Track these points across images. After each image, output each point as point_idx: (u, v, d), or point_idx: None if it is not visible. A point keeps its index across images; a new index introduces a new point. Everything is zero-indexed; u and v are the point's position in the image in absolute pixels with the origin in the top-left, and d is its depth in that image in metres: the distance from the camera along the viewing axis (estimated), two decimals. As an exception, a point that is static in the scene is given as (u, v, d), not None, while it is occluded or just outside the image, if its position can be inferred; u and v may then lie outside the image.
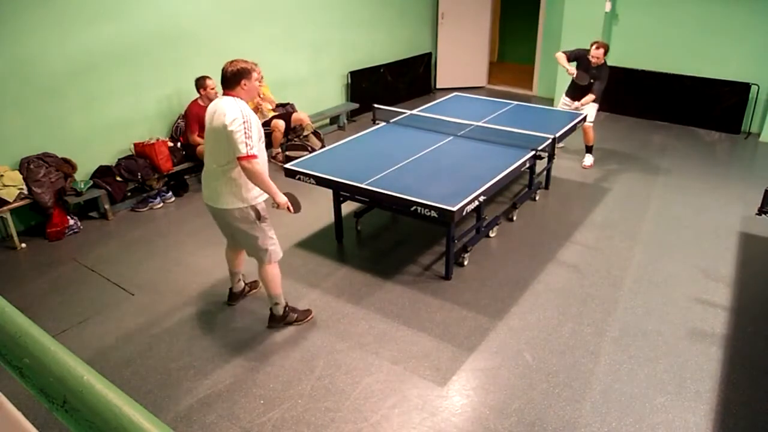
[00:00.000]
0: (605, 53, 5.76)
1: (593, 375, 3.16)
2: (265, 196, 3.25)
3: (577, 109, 5.92)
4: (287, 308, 3.58)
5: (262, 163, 3.11)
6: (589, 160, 6.21)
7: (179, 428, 2.84)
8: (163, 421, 0.63)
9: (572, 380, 3.12)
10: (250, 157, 3.01)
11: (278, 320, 3.57)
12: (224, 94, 3.15)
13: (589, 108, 5.93)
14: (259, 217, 3.25)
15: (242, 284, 3.87)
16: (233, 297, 3.84)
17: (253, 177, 3.07)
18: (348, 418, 2.89)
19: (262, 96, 6.12)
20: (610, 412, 2.90)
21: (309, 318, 3.65)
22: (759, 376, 3.14)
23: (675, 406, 2.94)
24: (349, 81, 7.73)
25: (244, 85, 3.11)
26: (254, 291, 3.95)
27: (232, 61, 3.13)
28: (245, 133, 2.99)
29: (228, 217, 3.24)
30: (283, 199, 3.22)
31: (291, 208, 3.27)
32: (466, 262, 4.25)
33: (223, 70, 3.12)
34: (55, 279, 4.21)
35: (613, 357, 3.30)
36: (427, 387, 3.09)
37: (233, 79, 3.09)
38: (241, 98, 3.12)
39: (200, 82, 5.41)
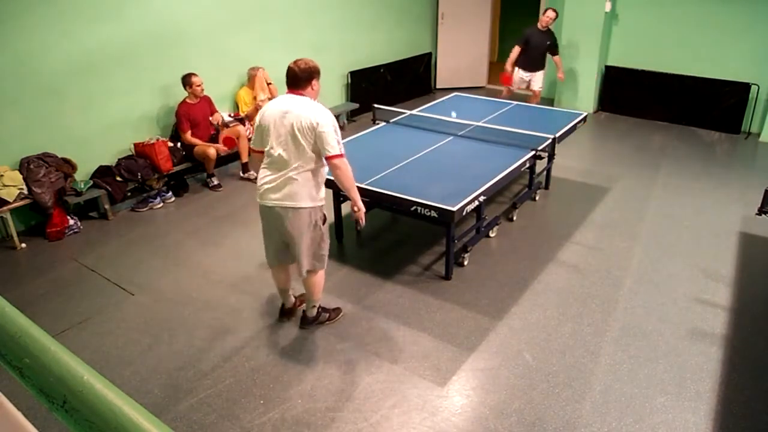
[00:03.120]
0: (555, 18, 6.75)
1: (593, 375, 3.16)
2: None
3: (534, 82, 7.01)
4: (320, 309, 3.58)
5: None
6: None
7: (179, 428, 2.84)
8: (163, 421, 0.63)
9: (572, 380, 3.12)
10: (342, 155, 3.02)
11: (311, 321, 3.56)
12: (290, 93, 3.06)
13: (538, 77, 6.97)
14: (324, 219, 3.23)
15: (293, 298, 3.68)
16: (286, 313, 3.66)
17: (343, 175, 3.06)
18: (348, 418, 2.89)
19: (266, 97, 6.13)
20: (610, 412, 2.90)
21: (341, 316, 3.65)
22: (759, 376, 3.14)
23: (675, 406, 2.94)
24: (349, 81, 7.73)
25: (314, 84, 3.06)
26: (304, 303, 3.67)
27: (298, 60, 3.04)
28: (336, 131, 2.99)
29: (298, 218, 3.09)
30: (363, 206, 3.21)
31: (363, 219, 3.25)
32: (466, 262, 4.25)
33: (291, 68, 3.03)
34: (55, 279, 4.21)
35: (613, 357, 3.30)
36: (427, 387, 3.09)
37: (304, 77, 3.01)
38: (312, 99, 3.06)
39: (187, 80, 5.42)
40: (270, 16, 6.47)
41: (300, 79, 3.02)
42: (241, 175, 5.99)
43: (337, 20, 7.33)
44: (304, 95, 3.05)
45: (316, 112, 2.96)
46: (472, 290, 3.96)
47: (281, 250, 3.32)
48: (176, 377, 3.20)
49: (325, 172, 3.17)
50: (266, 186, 3.10)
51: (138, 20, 5.23)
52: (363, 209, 3.23)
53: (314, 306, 3.53)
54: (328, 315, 3.61)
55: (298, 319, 3.64)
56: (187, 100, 5.51)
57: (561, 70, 7.06)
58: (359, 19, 7.67)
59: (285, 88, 3.11)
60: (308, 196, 3.09)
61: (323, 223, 3.25)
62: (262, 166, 3.13)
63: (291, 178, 3.04)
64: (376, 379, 3.15)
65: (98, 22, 4.94)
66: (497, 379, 3.14)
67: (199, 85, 5.45)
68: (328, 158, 3.00)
